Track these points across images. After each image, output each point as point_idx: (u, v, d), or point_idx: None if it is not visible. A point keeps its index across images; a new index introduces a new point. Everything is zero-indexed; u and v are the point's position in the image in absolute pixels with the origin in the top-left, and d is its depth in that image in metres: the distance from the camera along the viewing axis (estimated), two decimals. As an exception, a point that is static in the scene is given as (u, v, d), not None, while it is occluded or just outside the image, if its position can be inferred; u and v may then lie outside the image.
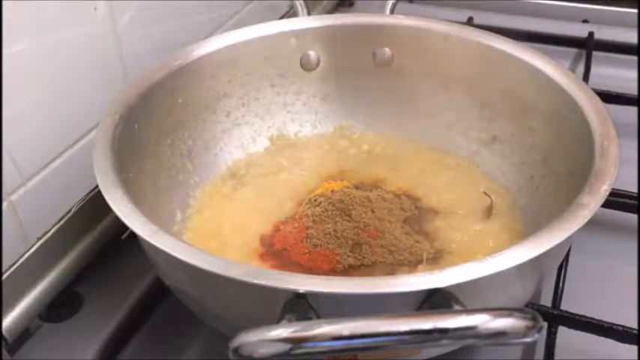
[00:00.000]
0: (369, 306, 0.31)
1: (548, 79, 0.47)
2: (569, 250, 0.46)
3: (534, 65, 0.49)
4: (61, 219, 0.47)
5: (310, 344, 0.27)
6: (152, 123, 0.47)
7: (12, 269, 0.43)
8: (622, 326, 0.42)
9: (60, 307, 0.48)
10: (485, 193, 0.50)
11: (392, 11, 0.59)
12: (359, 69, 0.57)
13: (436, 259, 0.45)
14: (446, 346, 0.36)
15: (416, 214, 0.49)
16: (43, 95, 0.44)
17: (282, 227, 0.48)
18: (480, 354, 0.44)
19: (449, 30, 0.54)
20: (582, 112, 0.43)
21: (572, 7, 0.83)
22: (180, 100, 0.50)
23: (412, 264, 0.44)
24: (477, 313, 0.27)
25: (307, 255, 0.45)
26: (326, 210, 0.47)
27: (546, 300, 0.46)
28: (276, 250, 0.46)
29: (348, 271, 0.44)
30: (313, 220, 0.46)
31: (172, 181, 0.50)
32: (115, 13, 0.48)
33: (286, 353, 0.26)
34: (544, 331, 0.43)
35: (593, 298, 0.47)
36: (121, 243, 0.47)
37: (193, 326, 0.46)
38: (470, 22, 0.75)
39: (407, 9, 0.85)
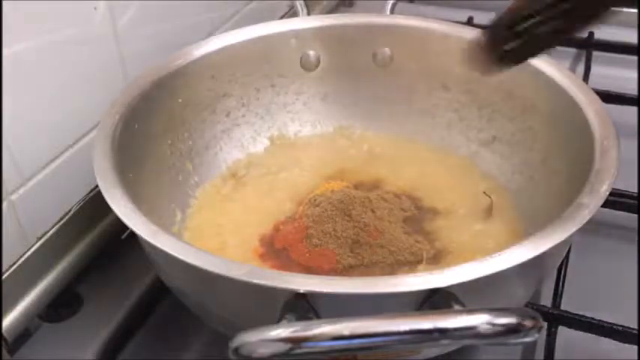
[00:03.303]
0: (369, 306, 0.31)
1: (548, 79, 0.47)
2: (569, 250, 0.46)
3: (534, 65, 0.49)
4: (61, 219, 0.47)
5: (310, 344, 0.27)
6: (152, 123, 0.47)
7: (12, 269, 0.43)
8: (622, 326, 0.42)
9: (60, 307, 0.48)
10: (485, 193, 0.50)
11: (392, 11, 0.59)
12: (359, 69, 0.57)
13: (436, 259, 0.45)
14: (446, 346, 0.36)
15: (416, 214, 0.49)
16: (43, 95, 0.44)
17: (282, 227, 0.48)
18: (480, 354, 0.44)
19: (449, 30, 0.54)
20: (582, 112, 0.43)
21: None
22: (180, 100, 0.50)
23: (412, 264, 0.44)
24: (477, 313, 0.27)
25: (307, 255, 0.45)
26: (326, 210, 0.47)
27: (546, 300, 0.46)
28: (276, 250, 0.46)
29: (348, 271, 0.44)
30: (313, 220, 0.46)
31: (172, 181, 0.50)
32: (115, 13, 0.48)
33: (286, 353, 0.27)
34: (544, 331, 0.43)
35: (593, 298, 0.47)
36: (121, 243, 0.47)
37: (193, 326, 0.46)
38: (470, 22, 0.75)
39: (407, 9, 0.84)
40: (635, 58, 0.71)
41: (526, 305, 0.43)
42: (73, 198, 0.48)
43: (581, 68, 0.70)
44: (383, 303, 0.32)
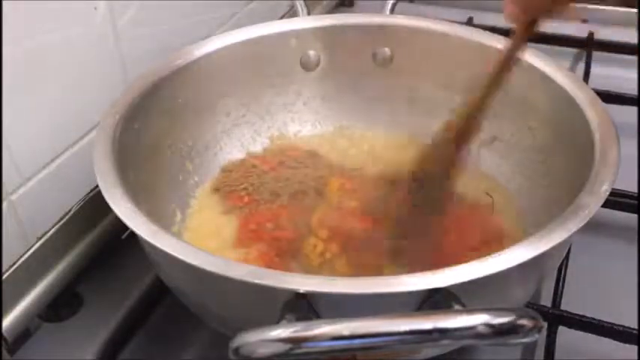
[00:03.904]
0: (369, 306, 0.31)
1: (548, 79, 0.47)
2: (569, 250, 0.46)
3: (534, 65, 0.49)
4: (61, 219, 0.47)
5: (310, 344, 0.27)
6: (152, 123, 0.47)
7: (12, 269, 0.43)
8: (622, 326, 0.42)
9: (60, 307, 0.48)
10: (485, 193, 0.50)
11: (392, 11, 0.59)
12: (359, 69, 0.57)
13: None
14: (446, 346, 0.36)
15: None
16: (44, 95, 0.44)
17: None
18: (480, 354, 0.44)
19: (449, 30, 0.54)
20: (582, 112, 0.43)
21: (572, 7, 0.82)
22: (180, 100, 0.50)
23: None
24: (477, 313, 0.27)
25: None
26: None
27: (546, 300, 0.46)
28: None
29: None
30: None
31: (172, 181, 0.50)
32: (115, 13, 0.48)
33: (286, 353, 0.27)
34: (544, 331, 0.43)
35: (593, 298, 0.47)
36: (121, 243, 0.47)
37: (193, 326, 0.46)
38: (470, 22, 0.75)
39: (407, 9, 0.84)
40: (635, 58, 0.71)
41: (526, 305, 0.43)
42: (73, 198, 0.48)
43: (581, 68, 0.70)
44: (383, 303, 0.32)
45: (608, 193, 0.36)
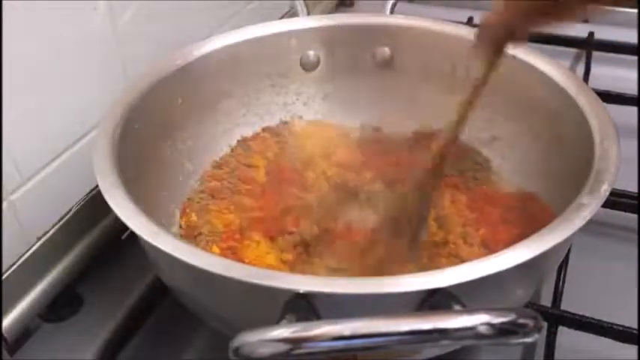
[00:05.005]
0: (369, 306, 0.31)
1: (549, 79, 0.47)
2: (569, 250, 0.46)
3: (534, 65, 0.49)
4: (61, 219, 0.47)
5: (310, 344, 0.27)
6: (152, 123, 0.47)
7: (12, 269, 0.43)
8: (622, 326, 0.42)
9: (60, 307, 0.48)
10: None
11: (392, 11, 0.59)
12: (359, 69, 0.57)
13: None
14: (446, 347, 0.36)
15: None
16: (43, 95, 0.44)
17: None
18: (480, 354, 0.44)
19: (449, 30, 0.54)
20: (582, 112, 0.43)
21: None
22: (180, 100, 0.50)
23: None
24: (476, 313, 0.27)
25: None
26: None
27: (546, 300, 0.46)
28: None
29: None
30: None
31: (172, 181, 0.50)
32: (115, 13, 0.48)
33: (286, 353, 0.26)
34: (544, 331, 0.43)
35: (593, 298, 0.47)
36: (121, 243, 0.47)
37: (193, 326, 0.46)
38: (470, 22, 0.75)
39: (407, 9, 0.84)
40: (635, 58, 0.71)
41: (526, 305, 0.43)
42: (73, 198, 0.48)
43: (581, 68, 0.70)
44: (383, 303, 0.32)
45: (608, 193, 0.36)
